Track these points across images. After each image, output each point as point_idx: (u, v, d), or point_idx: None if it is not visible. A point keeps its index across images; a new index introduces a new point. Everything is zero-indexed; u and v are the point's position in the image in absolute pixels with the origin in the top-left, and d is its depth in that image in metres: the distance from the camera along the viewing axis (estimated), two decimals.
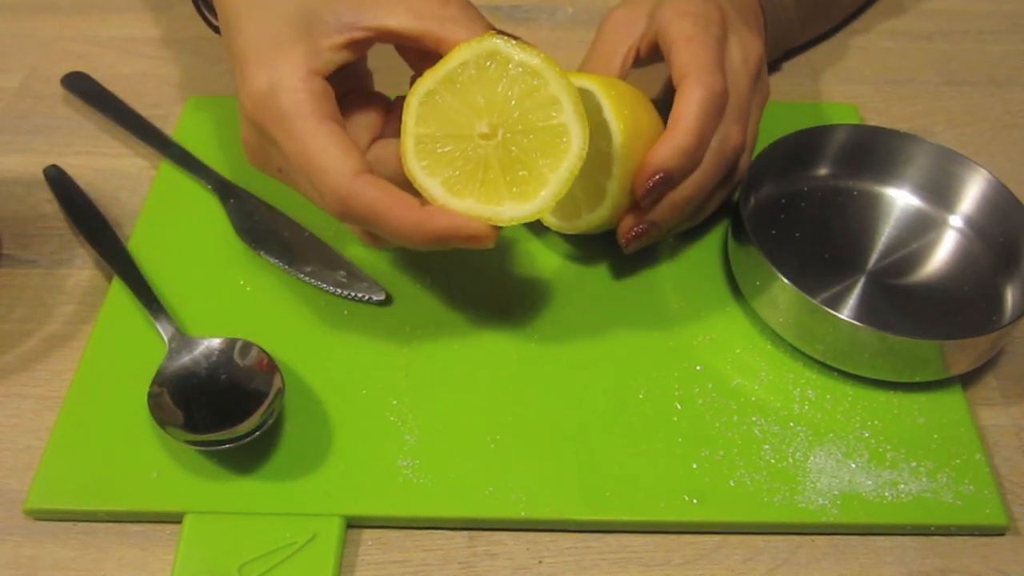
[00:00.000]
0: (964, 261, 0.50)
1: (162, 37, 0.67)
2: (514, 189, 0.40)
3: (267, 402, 0.43)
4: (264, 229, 0.53)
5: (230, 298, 0.50)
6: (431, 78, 0.40)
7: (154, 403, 0.44)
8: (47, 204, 0.55)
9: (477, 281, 0.51)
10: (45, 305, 0.50)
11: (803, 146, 0.53)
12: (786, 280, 0.44)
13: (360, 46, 0.42)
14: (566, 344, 0.48)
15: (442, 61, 0.40)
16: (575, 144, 0.39)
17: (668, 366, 0.47)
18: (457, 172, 0.40)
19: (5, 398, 0.47)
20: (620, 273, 0.51)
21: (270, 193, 0.54)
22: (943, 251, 0.51)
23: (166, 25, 0.68)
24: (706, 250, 0.52)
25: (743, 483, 0.43)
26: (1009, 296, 0.48)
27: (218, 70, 0.64)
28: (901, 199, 0.53)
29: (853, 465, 0.43)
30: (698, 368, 0.47)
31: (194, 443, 0.42)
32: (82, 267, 0.52)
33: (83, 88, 0.61)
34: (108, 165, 0.58)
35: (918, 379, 0.45)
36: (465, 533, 0.42)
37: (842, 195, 0.53)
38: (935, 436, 0.44)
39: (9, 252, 0.53)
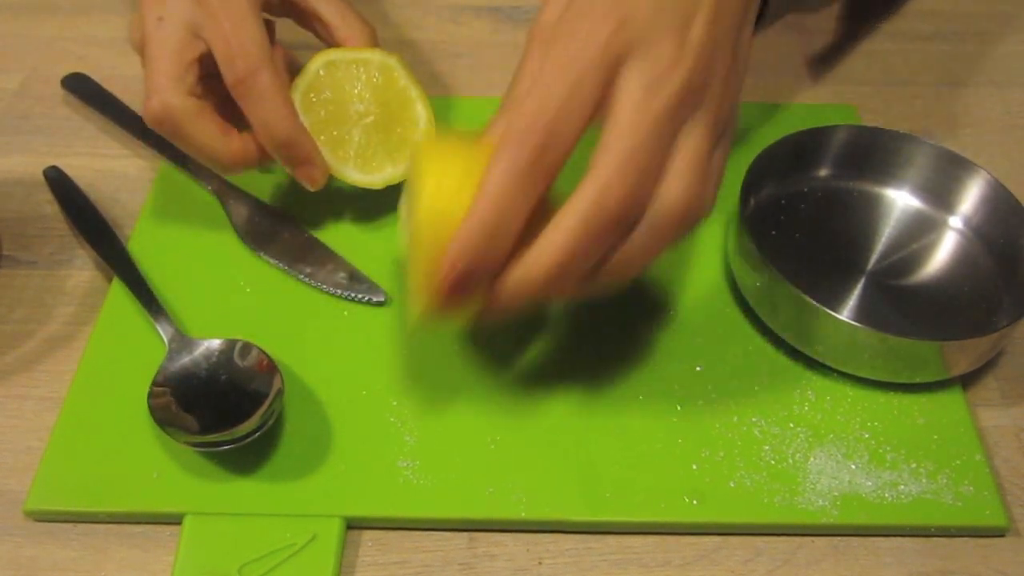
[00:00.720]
0: (964, 262, 0.50)
1: None
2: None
3: (267, 403, 0.43)
4: (264, 230, 0.53)
5: (230, 299, 0.50)
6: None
7: (154, 404, 0.44)
8: (47, 205, 0.55)
9: None
10: (45, 306, 0.50)
11: (802, 147, 0.53)
12: (786, 281, 0.44)
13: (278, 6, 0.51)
14: (566, 345, 0.48)
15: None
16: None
17: (668, 367, 0.47)
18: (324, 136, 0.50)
19: (5, 399, 0.47)
20: None
21: (270, 194, 0.54)
22: (943, 252, 0.51)
23: None
24: (706, 251, 0.52)
25: (743, 484, 0.43)
26: (1009, 297, 0.48)
27: None
28: (901, 200, 0.53)
29: (853, 466, 0.43)
30: (698, 369, 0.47)
31: (194, 444, 0.42)
32: (82, 268, 0.52)
33: (83, 89, 0.61)
34: (108, 166, 0.58)
35: (917, 380, 0.45)
36: (465, 534, 0.42)
37: (842, 196, 0.53)
38: (935, 437, 0.44)
39: (9, 253, 0.53)
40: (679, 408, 0.45)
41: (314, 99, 0.50)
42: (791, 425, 0.45)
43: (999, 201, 0.50)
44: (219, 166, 0.48)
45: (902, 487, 0.42)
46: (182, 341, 0.46)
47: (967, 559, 0.41)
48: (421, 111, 0.52)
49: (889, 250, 0.51)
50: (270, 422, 0.43)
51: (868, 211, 0.53)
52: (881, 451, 0.44)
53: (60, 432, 0.44)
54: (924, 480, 0.43)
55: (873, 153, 0.53)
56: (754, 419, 0.45)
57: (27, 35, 0.67)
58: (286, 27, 0.53)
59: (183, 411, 0.44)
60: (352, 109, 0.51)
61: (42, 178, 0.56)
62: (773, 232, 0.51)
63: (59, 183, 0.55)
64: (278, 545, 0.41)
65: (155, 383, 0.44)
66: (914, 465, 0.43)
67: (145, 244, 0.52)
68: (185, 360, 0.46)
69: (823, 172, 0.54)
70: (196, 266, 0.51)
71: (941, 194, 0.52)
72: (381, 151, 0.51)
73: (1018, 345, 0.49)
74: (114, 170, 0.57)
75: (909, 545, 0.42)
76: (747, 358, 0.47)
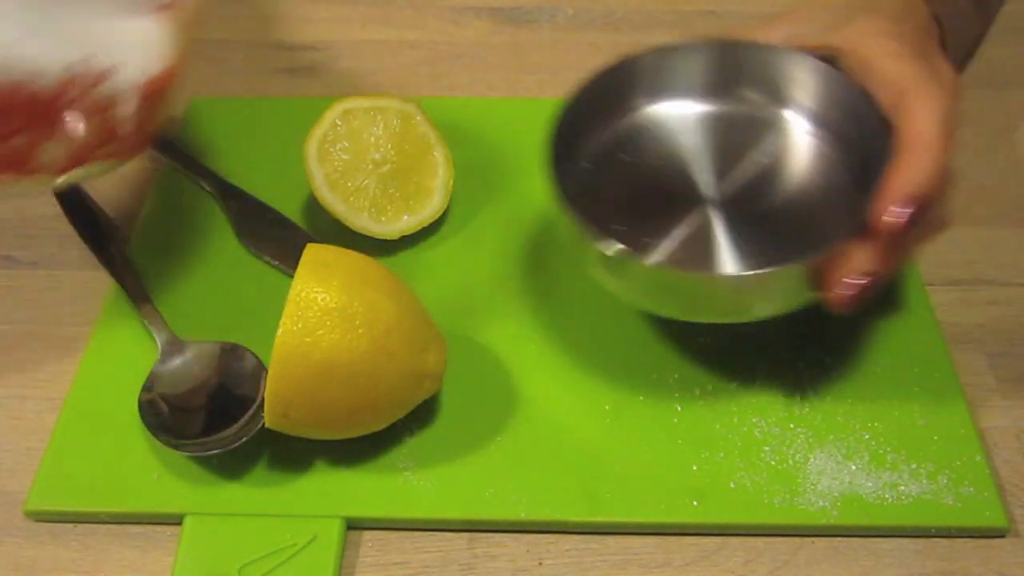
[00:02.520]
0: (820, 165, 0.45)
1: None
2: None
3: (253, 408, 0.43)
4: (264, 231, 0.53)
5: (230, 300, 0.50)
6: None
7: (144, 408, 0.44)
8: (48, 205, 0.55)
9: (474, 284, 0.51)
10: (46, 307, 0.51)
11: (607, 88, 0.47)
12: (626, 250, 0.40)
13: None
14: (566, 345, 0.48)
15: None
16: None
17: (668, 368, 0.47)
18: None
19: (5, 399, 0.47)
20: None
21: (271, 195, 0.54)
22: (796, 161, 0.46)
23: None
24: None
25: (743, 484, 0.43)
26: (868, 193, 0.41)
27: (219, 71, 0.64)
28: (734, 114, 0.48)
29: (853, 467, 0.43)
30: (698, 370, 0.47)
31: (183, 448, 0.42)
32: (83, 268, 0.52)
33: None
34: None
35: (801, 305, 0.42)
36: (465, 535, 0.42)
37: (672, 125, 0.48)
38: (935, 438, 0.44)
39: (10, 253, 0.53)
40: (679, 409, 0.45)
41: (330, 149, 0.51)
42: (791, 426, 0.45)
43: (840, 92, 0.44)
44: None
45: (902, 488, 0.42)
46: (175, 344, 0.46)
47: (967, 560, 0.41)
48: (440, 158, 0.52)
49: (736, 173, 0.46)
50: (256, 427, 0.42)
51: (703, 135, 0.47)
52: (881, 452, 0.44)
53: (60, 433, 0.44)
54: (924, 481, 0.43)
55: (690, 69, 0.47)
56: (754, 420, 0.45)
57: None
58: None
59: (174, 414, 0.44)
60: (369, 158, 0.51)
61: None
62: (592, 186, 0.46)
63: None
64: (278, 546, 0.41)
65: (146, 386, 0.44)
66: (914, 466, 0.43)
67: (145, 245, 0.52)
68: (177, 363, 0.46)
69: (636, 104, 0.48)
70: (195, 267, 0.51)
71: (777, 97, 0.47)
72: (398, 200, 0.51)
73: (1018, 346, 0.49)
74: (115, 171, 0.57)
75: (909, 546, 0.42)
76: (747, 359, 0.47)
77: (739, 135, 0.47)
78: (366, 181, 0.51)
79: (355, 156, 0.51)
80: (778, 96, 0.47)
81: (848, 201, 0.44)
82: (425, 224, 0.51)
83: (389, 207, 0.51)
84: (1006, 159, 0.58)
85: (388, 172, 0.51)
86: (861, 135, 0.44)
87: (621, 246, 0.40)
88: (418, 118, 0.52)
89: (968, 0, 0.50)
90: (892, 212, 0.38)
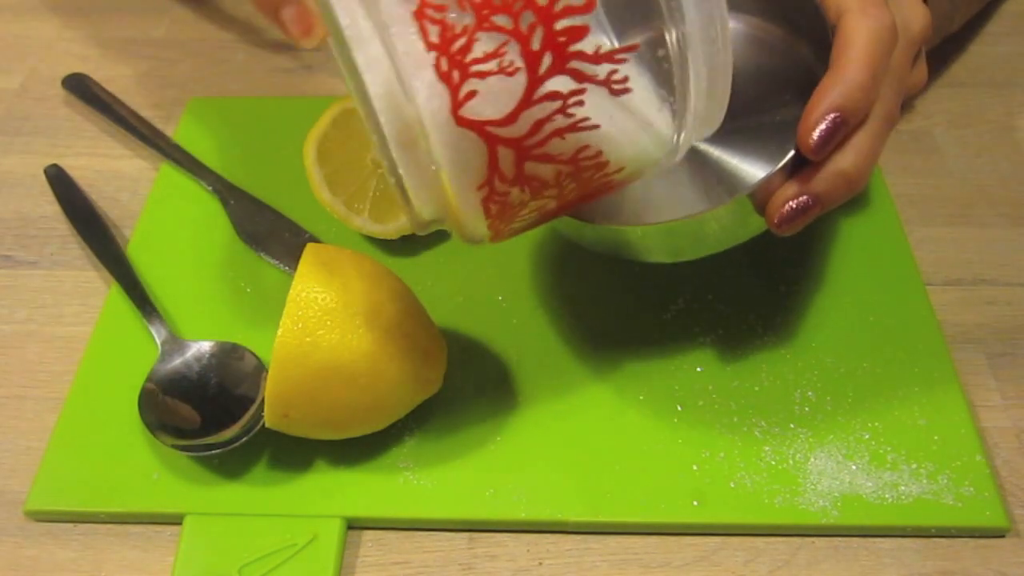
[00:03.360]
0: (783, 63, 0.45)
1: (163, 38, 0.67)
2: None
3: (252, 408, 0.43)
4: (265, 231, 0.53)
5: (231, 300, 0.50)
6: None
7: (144, 407, 0.44)
8: (48, 205, 0.55)
9: (475, 284, 0.51)
10: (45, 306, 0.50)
11: None
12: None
13: None
14: (566, 345, 0.48)
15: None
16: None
17: (668, 368, 0.47)
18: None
19: (5, 399, 0.47)
20: (619, 274, 0.51)
21: (271, 195, 0.54)
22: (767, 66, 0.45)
23: (167, 26, 0.68)
24: None
25: (743, 485, 0.43)
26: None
27: (219, 71, 0.64)
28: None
29: (853, 467, 0.43)
30: (699, 369, 0.47)
31: (182, 448, 0.42)
32: (83, 268, 0.52)
33: (84, 90, 0.61)
34: (109, 166, 0.58)
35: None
36: (465, 534, 0.42)
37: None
38: (935, 438, 0.44)
39: (10, 253, 0.53)
40: (679, 408, 0.45)
41: (330, 149, 0.51)
42: (791, 426, 0.45)
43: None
44: None
45: (902, 488, 0.42)
46: (175, 343, 0.46)
47: (967, 560, 0.41)
48: None
49: None
50: (256, 428, 0.42)
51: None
52: (881, 452, 0.44)
53: (60, 432, 0.44)
54: (924, 481, 0.43)
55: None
56: (754, 420, 0.45)
57: (28, 36, 0.67)
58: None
59: (173, 414, 0.44)
60: (368, 157, 0.51)
61: (43, 178, 0.56)
62: None
63: (60, 182, 0.55)
64: (278, 546, 0.41)
65: (145, 387, 0.44)
66: (914, 466, 0.43)
67: (145, 245, 0.52)
68: (176, 363, 0.46)
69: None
70: (196, 266, 0.51)
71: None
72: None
73: (1019, 346, 0.49)
74: (114, 170, 0.57)
75: (909, 546, 0.42)
76: (747, 359, 0.47)
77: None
78: (366, 181, 0.51)
79: (354, 156, 0.51)
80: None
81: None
82: None
83: (389, 207, 0.51)
84: (1007, 159, 0.58)
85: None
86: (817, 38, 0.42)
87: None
88: None
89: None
90: (812, 130, 0.37)
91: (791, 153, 0.38)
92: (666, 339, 0.48)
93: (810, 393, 0.46)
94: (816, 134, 0.37)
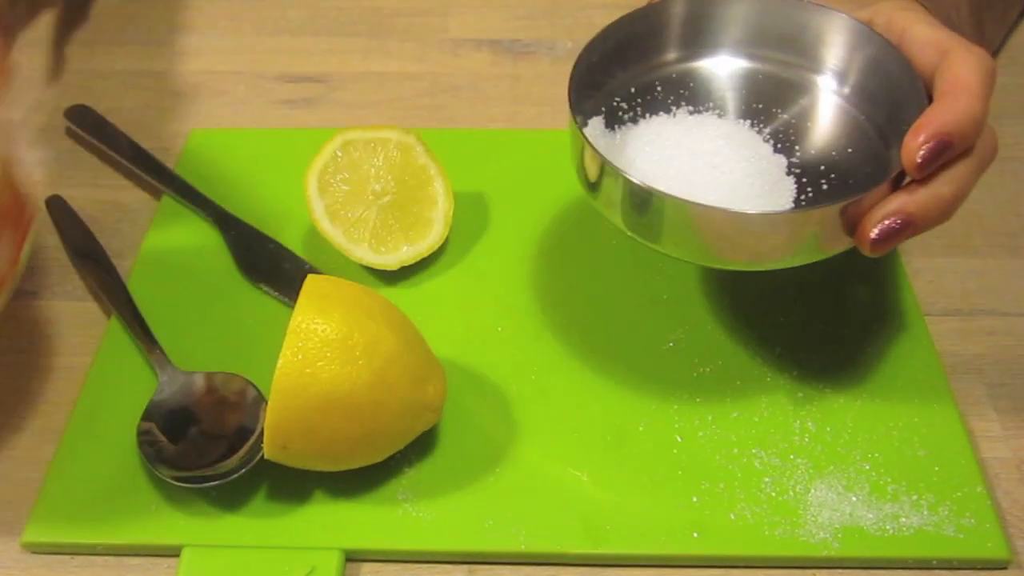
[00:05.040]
0: (845, 124, 0.47)
1: (164, 70, 0.67)
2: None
3: (250, 441, 0.43)
4: (265, 262, 0.53)
5: (230, 331, 0.50)
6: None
7: (142, 439, 0.43)
8: (49, 236, 0.55)
9: (474, 315, 0.51)
10: (45, 337, 0.50)
11: (634, 35, 0.47)
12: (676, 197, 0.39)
13: None
14: (565, 376, 0.48)
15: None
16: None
17: (668, 398, 0.47)
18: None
19: (3, 430, 0.47)
20: (618, 305, 0.51)
21: (271, 226, 0.55)
22: (821, 118, 0.47)
23: (168, 58, 0.68)
24: (704, 280, 0.52)
25: (743, 516, 0.42)
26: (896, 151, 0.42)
27: (220, 103, 0.65)
28: (761, 69, 0.49)
29: (854, 498, 0.43)
30: (698, 401, 0.47)
31: (180, 480, 0.42)
32: (83, 299, 0.52)
33: (86, 120, 0.61)
34: (110, 197, 0.58)
35: (833, 252, 0.42)
36: (465, 566, 0.42)
37: (693, 80, 0.49)
38: (936, 469, 0.44)
39: None
40: (679, 439, 0.45)
41: (331, 180, 0.51)
42: (791, 456, 0.45)
43: (870, 48, 0.45)
44: None
45: (903, 519, 0.42)
46: (174, 374, 0.46)
47: None
48: (439, 189, 0.52)
49: (764, 127, 0.48)
50: (255, 459, 0.42)
51: (729, 88, 0.48)
52: (882, 483, 0.44)
53: (58, 464, 0.44)
54: (925, 512, 0.43)
55: (719, 22, 0.48)
56: (754, 450, 0.45)
57: (31, 67, 0.67)
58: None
59: (172, 446, 0.43)
60: (369, 189, 0.51)
61: (44, 209, 0.56)
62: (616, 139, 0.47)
63: (61, 212, 0.55)
64: None
65: (144, 417, 0.44)
66: (915, 497, 0.43)
67: (146, 275, 0.52)
68: (175, 394, 0.45)
69: (666, 56, 0.49)
70: (196, 297, 0.51)
71: (805, 53, 0.48)
72: (397, 231, 0.51)
73: (1018, 377, 0.49)
74: (116, 201, 0.58)
75: None
76: (747, 390, 0.47)
77: (767, 91, 0.48)
78: (366, 212, 0.51)
79: (355, 187, 0.51)
80: (808, 53, 0.48)
81: (873, 156, 0.45)
82: (425, 255, 0.51)
83: (389, 238, 0.51)
84: (1004, 189, 0.58)
85: (388, 203, 0.51)
86: (889, 94, 0.45)
87: (650, 186, 0.39)
88: (418, 149, 0.52)
89: (969, 26, 0.52)
90: (921, 146, 0.39)
91: (894, 173, 0.40)
92: (665, 370, 0.48)
93: (810, 424, 0.46)
94: (922, 153, 0.39)
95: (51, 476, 0.44)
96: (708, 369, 0.48)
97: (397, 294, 0.51)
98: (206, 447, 0.43)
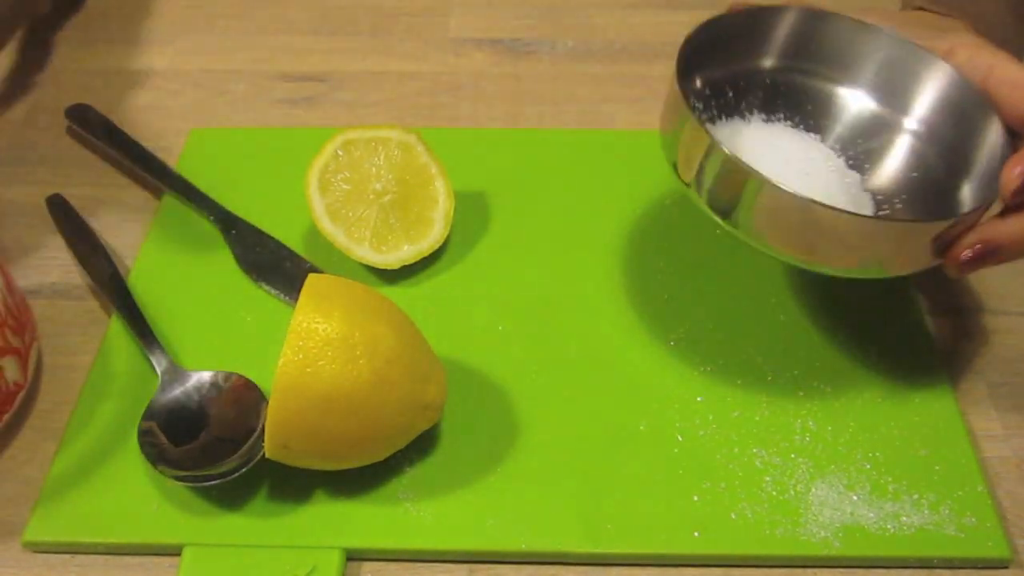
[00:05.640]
0: (911, 153, 0.49)
1: (165, 69, 0.67)
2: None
3: (252, 438, 0.43)
4: (266, 261, 0.53)
5: (232, 330, 0.50)
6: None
7: (144, 438, 0.43)
8: (50, 234, 0.55)
9: (475, 314, 0.51)
10: (46, 335, 0.50)
11: (746, 29, 0.49)
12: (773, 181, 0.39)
13: None
14: (566, 375, 0.48)
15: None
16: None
17: (669, 398, 0.47)
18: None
19: (5, 428, 0.47)
20: (619, 304, 0.51)
21: (272, 225, 0.55)
22: (895, 155, 0.49)
23: (169, 58, 0.68)
24: (706, 278, 0.52)
25: (744, 515, 0.42)
26: (965, 194, 0.45)
27: (221, 102, 0.65)
28: (853, 99, 0.50)
29: (855, 497, 0.43)
30: (699, 399, 0.47)
31: (182, 479, 0.42)
32: (84, 297, 0.52)
33: (87, 119, 0.61)
34: (111, 196, 0.58)
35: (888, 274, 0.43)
36: (465, 566, 0.42)
37: (788, 91, 0.50)
38: (937, 468, 0.44)
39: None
40: (680, 439, 0.45)
41: (331, 179, 0.51)
42: (792, 456, 0.45)
43: (960, 99, 0.46)
44: None
45: (904, 518, 0.42)
46: (175, 373, 0.46)
47: None
48: (440, 188, 0.52)
49: (839, 152, 0.49)
50: (256, 458, 0.42)
51: (816, 109, 0.50)
52: (883, 482, 0.44)
53: (59, 463, 0.44)
54: (926, 511, 0.43)
55: (824, 42, 0.49)
56: (755, 450, 0.45)
57: (33, 66, 0.67)
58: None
59: (173, 445, 0.43)
60: (370, 188, 0.51)
61: (45, 208, 0.56)
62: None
63: (62, 211, 0.55)
64: None
65: (145, 417, 0.44)
66: (916, 496, 0.43)
67: (147, 274, 0.52)
68: (176, 393, 0.45)
69: (768, 62, 0.50)
70: (197, 296, 0.51)
71: (896, 92, 0.49)
72: (398, 230, 0.51)
73: (1018, 375, 0.49)
74: (117, 200, 0.58)
75: None
76: (748, 389, 0.47)
77: (839, 113, 0.50)
78: (367, 211, 0.51)
79: (356, 186, 0.51)
80: (885, 83, 0.49)
81: (935, 187, 0.47)
82: (425, 254, 0.51)
83: (390, 237, 0.51)
84: None
85: (389, 202, 0.51)
86: (960, 131, 0.46)
87: (769, 177, 0.39)
88: (419, 148, 0.52)
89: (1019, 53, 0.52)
90: (1019, 177, 0.40)
91: (989, 202, 0.41)
92: (666, 369, 0.48)
93: (811, 423, 0.46)
94: (1018, 183, 0.40)
95: (52, 475, 0.44)
96: (709, 368, 0.48)
97: (398, 293, 0.51)
98: (207, 446, 0.43)
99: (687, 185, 0.43)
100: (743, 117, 0.49)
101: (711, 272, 0.52)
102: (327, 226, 0.51)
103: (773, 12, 0.49)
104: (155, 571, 0.42)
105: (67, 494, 0.43)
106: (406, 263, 0.51)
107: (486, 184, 0.57)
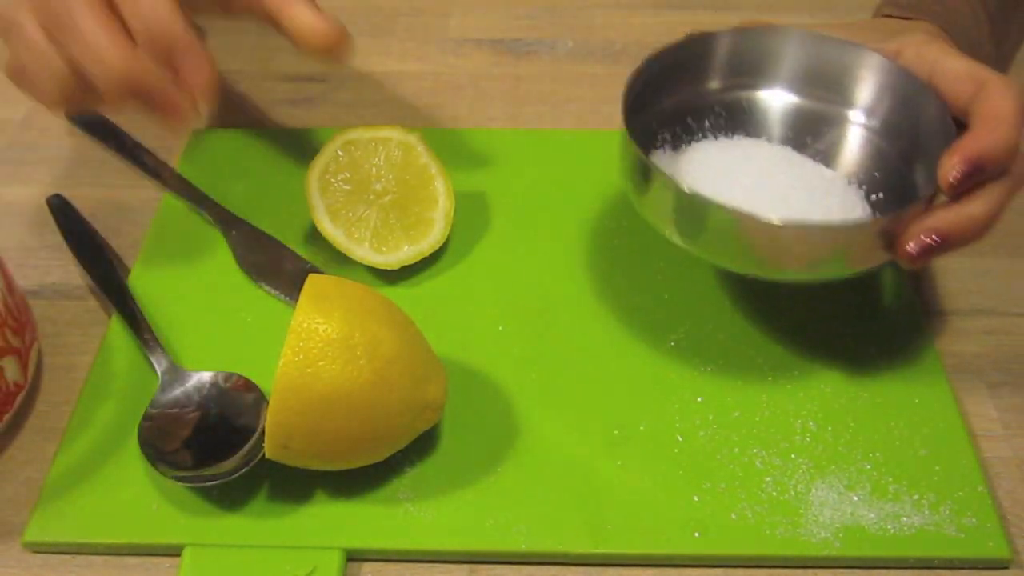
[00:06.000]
0: (871, 155, 0.50)
1: None
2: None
3: (253, 438, 0.43)
4: (266, 262, 0.53)
5: (232, 331, 0.50)
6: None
7: (144, 438, 0.43)
8: (50, 235, 0.55)
9: (476, 314, 0.51)
10: (46, 336, 0.51)
11: (695, 55, 0.51)
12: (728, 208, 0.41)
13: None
14: (567, 376, 0.48)
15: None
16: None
17: (669, 398, 0.47)
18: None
19: (5, 429, 0.47)
20: (619, 304, 0.51)
21: (273, 226, 0.55)
22: (848, 149, 0.50)
23: None
24: (706, 278, 0.52)
25: (744, 516, 0.42)
26: (920, 179, 0.47)
27: (222, 103, 0.65)
28: (792, 101, 0.52)
29: (855, 497, 0.43)
30: (699, 400, 0.47)
31: (182, 479, 0.42)
32: (84, 298, 0.52)
33: (87, 120, 0.61)
34: (111, 197, 0.58)
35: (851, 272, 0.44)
36: (466, 566, 0.42)
37: (733, 107, 0.52)
38: (937, 468, 0.44)
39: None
40: (680, 439, 0.45)
41: (332, 180, 0.51)
42: (792, 456, 0.45)
43: (897, 84, 0.48)
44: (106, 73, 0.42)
45: (904, 519, 0.42)
46: (175, 373, 0.46)
47: None
48: (441, 188, 0.52)
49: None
50: (256, 458, 0.42)
51: (762, 120, 0.52)
52: (883, 482, 0.44)
53: (60, 463, 0.44)
54: (926, 512, 0.43)
55: (758, 55, 0.51)
56: (755, 450, 0.45)
57: None
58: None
59: (173, 445, 0.43)
60: (370, 188, 0.51)
61: (46, 208, 0.56)
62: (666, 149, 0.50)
63: (62, 212, 0.55)
64: None
65: (145, 417, 0.44)
66: (916, 497, 0.43)
67: (147, 274, 0.52)
68: (177, 393, 0.45)
69: (710, 85, 0.52)
70: (198, 296, 0.51)
71: (833, 87, 0.50)
72: (398, 230, 0.51)
73: (1018, 375, 0.49)
74: (117, 200, 0.58)
75: None
76: (748, 389, 0.47)
77: (797, 121, 0.52)
78: (367, 211, 0.51)
79: (356, 187, 0.51)
80: (838, 87, 0.50)
81: (899, 181, 0.48)
82: (426, 254, 0.51)
83: (390, 237, 0.51)
84: None
85: (389, 203, 0.51)
86: (914, 125, 0.47)
87: (699, 192, 0.41)
88: (419, 149, 0.52)
89: (990, 44, 0.53)
90: (955, 167, 0.41)
91: (929, 195, 0.42)
92: (666, 369, 0.48)
93: (811, 423, 0.46)
94: (955, 173, 0.41)
95: (52, 475, 0.44)
96: (708, 368, 0.48)
97: (398, 293, 0.51)
98: (207, 446, 0.43)
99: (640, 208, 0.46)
100: (714, 137, 0.51)
101: (711, 272, 0.52)
102: (327, 227, 0.51)
103: (720, 35, 0.51)
104: (155, 571, 0.42)
105: (67, 494, 0.43)
106: (406, 264, 0.51)
107: (486, 184, 0.57)
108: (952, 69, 0.45)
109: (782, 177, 0.48)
